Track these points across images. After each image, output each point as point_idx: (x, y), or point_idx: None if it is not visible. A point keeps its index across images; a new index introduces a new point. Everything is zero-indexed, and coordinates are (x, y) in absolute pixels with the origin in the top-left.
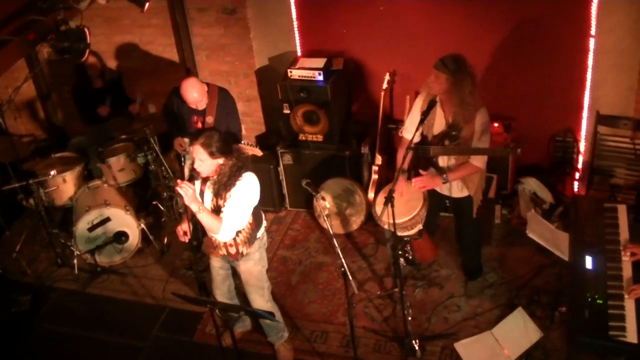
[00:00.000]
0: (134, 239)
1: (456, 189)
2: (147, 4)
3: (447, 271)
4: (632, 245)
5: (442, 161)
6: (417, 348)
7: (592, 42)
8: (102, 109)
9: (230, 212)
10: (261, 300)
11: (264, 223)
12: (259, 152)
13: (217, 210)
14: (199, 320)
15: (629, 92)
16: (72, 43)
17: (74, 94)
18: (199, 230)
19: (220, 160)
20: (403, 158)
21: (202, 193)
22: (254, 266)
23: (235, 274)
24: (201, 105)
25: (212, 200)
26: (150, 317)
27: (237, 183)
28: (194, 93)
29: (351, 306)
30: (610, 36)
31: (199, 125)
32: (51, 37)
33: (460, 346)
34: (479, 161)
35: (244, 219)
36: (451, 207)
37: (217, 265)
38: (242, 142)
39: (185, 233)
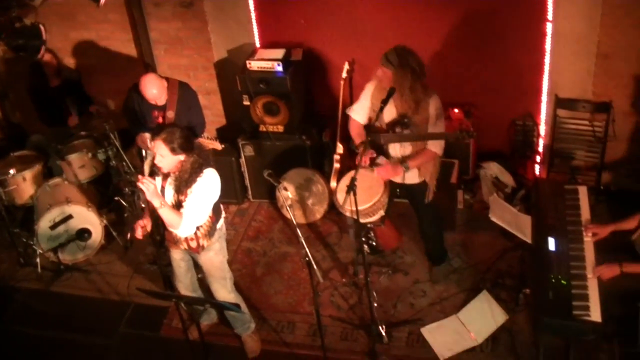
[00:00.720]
0: (97, 235)
1: (409, 176)
2: None
3: (411, 257)
4: (593, 226)
5: (393, 149)
6: (384, 334)
7: (549, 27)
8: (70, 119)
9: (190, 208)
10: (223, 290)
11: (223, 214)
12: (218, 146)
13: (178, 206)
14: (165, 315)
15: (586, 76)
16: (27, 40)
17: (31, 93)
18: (160, 225)
19: (182, 157)
20: (360, 154)
21: (163, 189)
22: (215, 256)
23: (197, 267)
24: (161, 101)
25: (174, 196)
26: (116, 313)
27: (198, 179)
28: (153, 89)
29: (317, 295)
30: (567, 20)
31: (160, 120)
32: (5, 35)
33: (427, 331)
34: (436, 147)
35: (204, 215)
36: (405, 195)
37: (177, 257)
38: (202, 135)
39: (143, 227)
